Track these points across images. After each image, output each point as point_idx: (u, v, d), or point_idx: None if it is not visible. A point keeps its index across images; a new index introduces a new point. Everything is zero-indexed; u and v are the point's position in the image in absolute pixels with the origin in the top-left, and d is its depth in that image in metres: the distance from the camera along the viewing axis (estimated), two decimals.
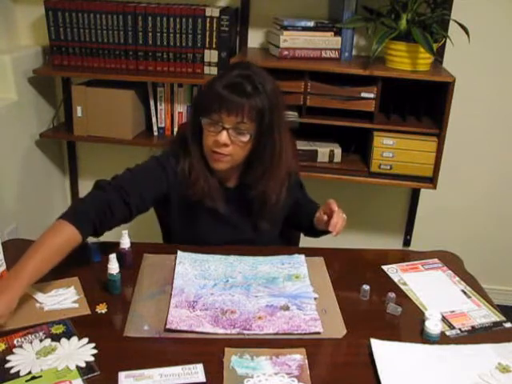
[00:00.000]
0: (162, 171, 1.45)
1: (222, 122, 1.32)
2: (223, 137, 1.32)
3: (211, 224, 1.50)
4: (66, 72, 2.28)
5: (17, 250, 1.42)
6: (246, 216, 1.51)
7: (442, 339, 1.16)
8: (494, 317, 1.26)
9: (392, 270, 1.44)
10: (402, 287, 1.36)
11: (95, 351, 1.08)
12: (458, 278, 1.41)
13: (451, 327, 1.21)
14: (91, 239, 1.39)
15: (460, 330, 1.21)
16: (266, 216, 1.49)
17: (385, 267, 1.44)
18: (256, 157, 1.40)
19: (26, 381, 1.00)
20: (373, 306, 1.29)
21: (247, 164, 1.44)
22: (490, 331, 1.21)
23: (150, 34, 2.17)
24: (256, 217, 1.50)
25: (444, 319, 1.23)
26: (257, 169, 1.42)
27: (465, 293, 1.35)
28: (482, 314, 1.27)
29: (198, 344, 1.12)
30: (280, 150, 1.40)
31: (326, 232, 1.45)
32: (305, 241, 1.78)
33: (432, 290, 1.36)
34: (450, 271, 1.44)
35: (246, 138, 1.34)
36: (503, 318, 1.26)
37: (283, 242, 1.67)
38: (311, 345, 1.13)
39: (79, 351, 1.08)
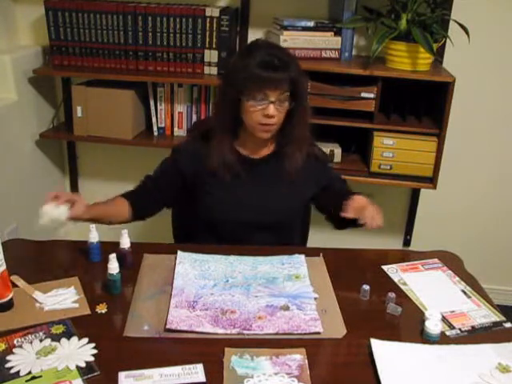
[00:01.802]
0: (174, 164, 1.63)
1: (267, 97, 1.45)
2: (271, 110, 1.46)
3: (244, 195, 1.59)
4: (66, 72, 2.28)
5: (17, 249, 1.43)
6: (273, 185, 1.61)
7: (442, 339, 1.16)
8: (494, 317, 1.26)
9: (392, 270, 1.44)
10: (402, 287, 1.36)
11: (95, 351, 1.08)
12: (457, 278, 1.41)
13: (451, 327, 1.21)
14: (90, 239, 1.39)
15: (460, 329, 1.21)
16: (293, 173, 1.59)
17: (385, 267, 1.45)
18: (291, 120, 1.54)
19: (26, 381, 1.00)
20: (373, 306, 1.29)
21: (280, 129, 1.56)
22: (490, 331, 1.21)
23: (150, 34, 2.17)
24: (283, 177, 1.59)
25: (444, 319, 1.23)
26: (291, 130, 1.55)
27: (465, 293, 1.35)
28: (482, 314, 1.27)
29: (198, 344, 1.13)
30: (306, 114, 1.56)
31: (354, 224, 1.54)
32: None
33: (432, 290, 1.36)
34: (449, 271, 1.44)
35: (286, 105, 1.49)
36: (503, 318, 1.26)
37: (290, 239, 1.68)
38: (311, 345, 1.13)
39: (79, 351, 1.08)
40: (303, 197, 1.66)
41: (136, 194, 1.61)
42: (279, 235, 1.62)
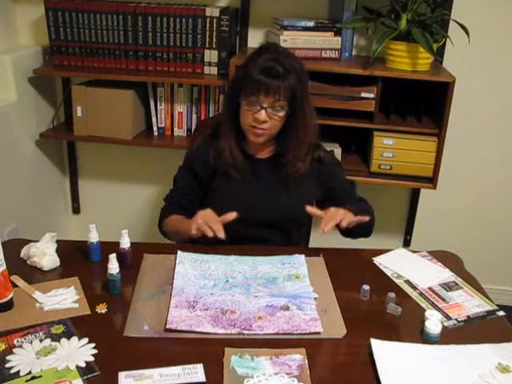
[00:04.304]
0: (192, 172, 1.64)
1: (259, 102, 1.46)
2: (262, 115, 1.47)
3: (245, 192, 1.61)
4: (66, 72, 2.28)
5: (17, 249, 1.43)
6: (274, 186, 1.62)
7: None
8: (487, 306, 1.29)
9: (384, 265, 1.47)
10: (396, 280, 1.38)
11: (95, 351, 1.08)
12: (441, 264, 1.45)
13: (448, 318, 1.24)
14: (90, 239, 1.39)
15: (457, 320, 1.23)
16: (293, 179, 1.60)
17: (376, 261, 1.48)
18: (289, 128, 1.54)
19: (26, 381, 1.00)
20: (373, 306, 1.29)
21: (279, 135, 1.57)
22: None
23: (150, 34, 2.17)
24: (284, 181, 1.61)
25: (440, 310, 1.26)
26: (289, 138, 1.56)
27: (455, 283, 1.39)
28: (476, 304, 1.30)
29: (198, 344, 1.13)
30: (307, 121, 1.55)
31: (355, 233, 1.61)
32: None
33: (417, 269, 1.44)
34: (451, 272, 1.44)
35: (281, 114, 1.49)
36: (495, 307, 1.28)
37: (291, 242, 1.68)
38: (311, 345, 1.13)
39: (79, 351, 1.08)
40: (304, 198, 1.64)
41: (184, 211, 1.60)
42: (282, 233, 1.63)
